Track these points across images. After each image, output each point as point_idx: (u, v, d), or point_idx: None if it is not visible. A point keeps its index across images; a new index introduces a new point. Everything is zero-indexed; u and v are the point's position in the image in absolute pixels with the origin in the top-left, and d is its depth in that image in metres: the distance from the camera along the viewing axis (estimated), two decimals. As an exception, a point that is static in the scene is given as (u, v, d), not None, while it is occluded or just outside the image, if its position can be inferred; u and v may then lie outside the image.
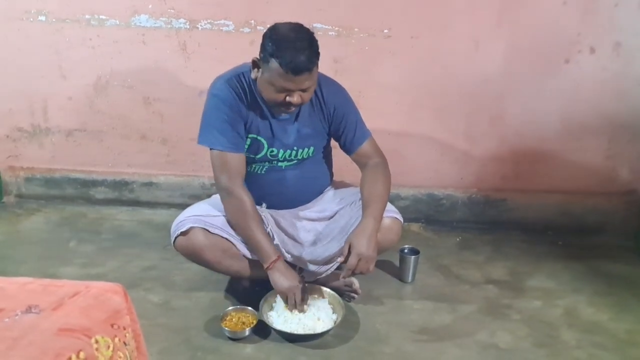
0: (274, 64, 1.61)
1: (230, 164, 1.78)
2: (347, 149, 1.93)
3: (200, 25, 2.42)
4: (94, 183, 2.76)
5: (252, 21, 2.40)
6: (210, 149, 1.79)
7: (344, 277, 1.84)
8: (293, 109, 1.73)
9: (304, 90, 1.68)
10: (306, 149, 1.90)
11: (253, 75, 1.73)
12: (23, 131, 2.69)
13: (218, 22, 2.41)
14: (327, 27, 2.38)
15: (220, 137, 1.76)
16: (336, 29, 2.38)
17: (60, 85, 2.57)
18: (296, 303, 1.79)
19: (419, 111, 2.52)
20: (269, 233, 1.90)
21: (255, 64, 1.71)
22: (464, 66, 2.43)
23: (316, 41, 1.66)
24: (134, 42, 2.47)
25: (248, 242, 1.81)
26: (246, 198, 1.78)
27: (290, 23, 1.69)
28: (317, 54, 1.65)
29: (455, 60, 2.42)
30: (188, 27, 2.43)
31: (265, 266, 1.78)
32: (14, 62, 2.54)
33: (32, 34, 2.48)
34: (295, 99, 1.67)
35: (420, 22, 2.37)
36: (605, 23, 2.34)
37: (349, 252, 1.75)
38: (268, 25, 2.34)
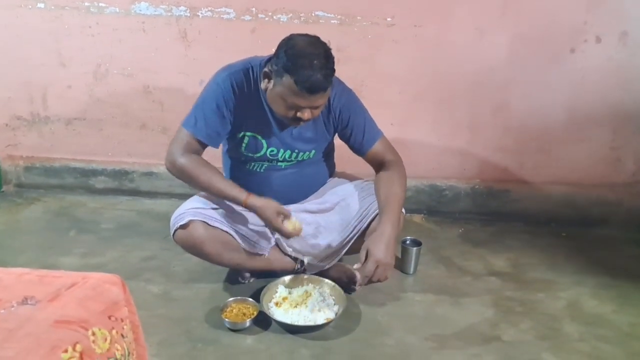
0: (288, 80, 1.56)
1: (193, 149, 1.75)
2: (357, 151, 1.89)
3: (201, 13, 2.39)
4: (94, 172, 2.75)
5: (254, 9, 2.36)
6: (181, 126, 1.75)
7: (360, 285, 1.78)
8: (302, 124, 1.69)
9: (315, 107, 1.64)
10: (307, 152, 1.87)
11: (263, 86, 1.68)
12: (22, 120, 2.67)
13: (219, 9, 2.38)
14: (329, 15, 2.35)
15: (202, 125, 1.72)
16: (339, 17, 2.35)
17: (59, 73, 2.55)
18: (285, 230, 1.76)
19: (421, 101, 2.49)
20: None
21: (266, 74, 1.65)
22: (468, 55, 2.40)
23: (333, 57, 1.61)
24: (134, 30, 2.44)
25: (211, 193, 1.78)
26: (193, 156, 1.74)
27: (307, 35, 1.63)
28: (333, 71, 1.61)
29: (459, 49, 2.39)
30: (188, 14, 2.40)
31: (242, 204, 1.75)
32: (12, 50, 2.52)
33: (31, 21, 2.46)
34: (306, 115, 1.63)
35: (423, 10, 2.34)
36: (612, 12, 2.30)
37: (366, 259, 1.71)
38: (269, 13, 2.36)
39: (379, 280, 1.73)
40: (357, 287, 1.85)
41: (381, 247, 1.70)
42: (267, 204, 1.75)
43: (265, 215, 1.74)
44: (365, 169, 1.96)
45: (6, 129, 2.69)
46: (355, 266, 1.77)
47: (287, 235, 1.78)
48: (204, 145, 1.77)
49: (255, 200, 1.74)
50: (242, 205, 1.76)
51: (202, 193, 1.91)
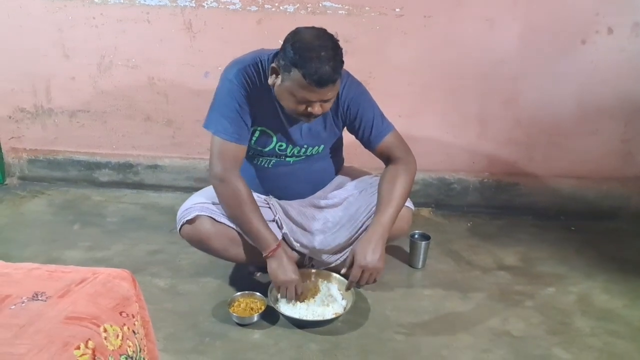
0: (296, 74, 1.52)
1: (229, 154, 1.71)
2: (366, 145, 1.86)
3: (206, 4, 2.36)
4: (98, 165, 2.73)
5: (260, -1, 2.33)
6: (213, 135, 1.72)
7: (347, 289, 1.78)
8: (313, 119, 1.65)
9: (325, 101, 1.61)
10: (316, 147, 1.84)
11: (270, 82, 1.64)
12: (26, 112, 2.64)
13: (224, 0, 2.35)
14: (337, 5, 2.31)
15: (227, 125, 1.69)
16: (346, 7, 2.32)
17: (63, 64, 2.53)
18: (289, 296, 1.75)
19: (431, 93, 2.46)
20: (276, 221, 1.86)
21: (274, 70, 1.62)
22: (478, 47, 2.37)
23: (341, 49, 1.57)
24: (138, 20, 2.42)
25: (245, 231, 1.75)
26: (241, 186, 1.71)
27: (314, 28, 1.59)
28: (342, 63, 1.57)
29: (469, 40, 2.36)
30: (194, 5, 2.37)
31: (264, 254, 1.73)
32: (15, 41, 2.49)
33: (34, 12, 2.44)
34: (316, 109, 1.59)
35: (433, 0, 2.30)
36: (624, 2, 2.28)
37: (352, 264, 1.70)
38: (276, 4, 2.33)
39: (367, 283, 1.73)
40: (345, 291, 1.81)
41: (367, 252, 1.68)
42: (287, 271, 1.72)
43: (281, 281, 1.73)
44: (374, 163, 1.93)
45: (10, 121, 2.67)
46: (342, 271, 1.77)
47: (290, 297, 1.76)
48: (242, 148, 1.74)
49: (277, 263, 1.72)
50: (262, 256, 1.74)
51: (208, 188, 1.88)
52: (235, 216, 1.75)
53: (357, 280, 1.70)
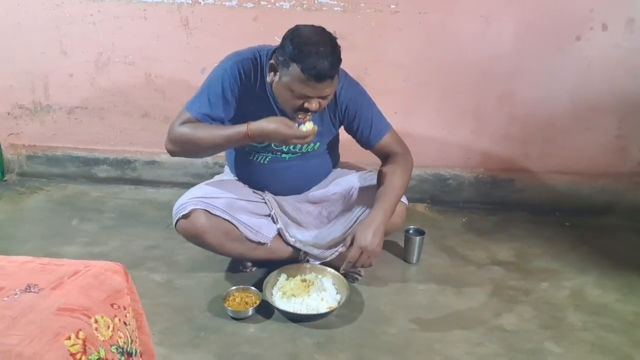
0: (295, 69, 1.54)
1: None
2: (364, 145, 1.87)
3: (203, 1, 2.37)
4: (96, 161, 2.74)
5: (256, -4, 2.34)
6: (184, 109, 1.70)
7: (343, 270, 1.79)
8: (309, 116, 1.66)
9: (323, 97, 1.62)
10: (312, 145, 1.85)
11: (269, 79, 1.66)
12: (24, 108, 2.66)
13: (221, -4, 2.36)
14: (332, 2, 2.32)
15: (206, 107, 1.68)
16: (342, 4, 2.33)
17: (61, 61, 2.54)
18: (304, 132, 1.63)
19: (426, 89, 2.47)
20: (272, 216, 1.88)
21: (272, 67, 1.63)
22: (473, 43, 2.37)
23: (339, 47, 1.59)
24: (135, 17, 2.43)
25: (215, 143, 1.67)
26: (185, 127, 1.66)
27: (312, 26, 1.61)
28: (340, 60, 1.59)
29: (464, 36, 2.37)
30: (190, 2, 2.38)
31: (245, 136, 1.62)
32: (14, 38, 2.51)
33: (32, 8, 2.45)
34: (313, 105, 1.60)
35: (428, -3, 2.31)
36: (619, -1, 2.28)
37: (352, 244, 1.72)
38: (272, 0, 2.34)
39: (362, 266, 1.75)
40: (341, 271, 1.83)
41: (367, 234, 1.70)
42: (269, 120, 1.62)
43: (275, 131, 1.59)
44: (370, 159, 1.95)
45: (8, 118, 2.68)
46: (340, 249, 1.77)
47: (304, 137, 1.62)
48: None
49: (257, 124, 1.61)
50: (247, 138, 1.63)
51: (207, 181, 1.90)
52: (200, 142, 1.66)
53: (354, 261, 1.72)
